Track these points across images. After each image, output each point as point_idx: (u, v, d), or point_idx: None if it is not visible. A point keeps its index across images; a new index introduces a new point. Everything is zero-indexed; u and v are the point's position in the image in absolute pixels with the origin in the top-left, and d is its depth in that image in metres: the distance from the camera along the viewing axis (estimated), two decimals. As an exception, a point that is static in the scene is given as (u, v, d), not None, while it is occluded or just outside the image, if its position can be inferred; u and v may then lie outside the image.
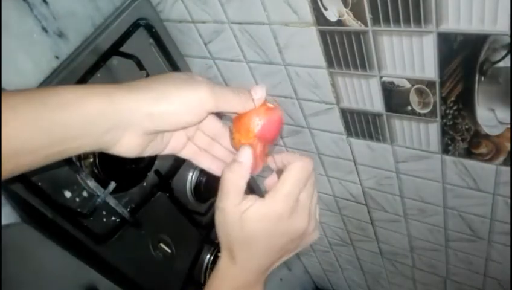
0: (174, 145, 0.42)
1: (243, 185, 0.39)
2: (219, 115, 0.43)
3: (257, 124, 0.40)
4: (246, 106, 0.39)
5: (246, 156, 0.40)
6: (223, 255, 0.42)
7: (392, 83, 0.58)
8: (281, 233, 0.40)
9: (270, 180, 0.43)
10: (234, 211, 0.39)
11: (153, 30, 0.70)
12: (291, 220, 0.40)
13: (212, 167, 0.44)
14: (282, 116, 0.42)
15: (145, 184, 0.75)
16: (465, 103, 0.55)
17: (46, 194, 0.61)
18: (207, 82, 0.37)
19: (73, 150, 0.34)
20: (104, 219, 0.69)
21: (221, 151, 0.45)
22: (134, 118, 0.34)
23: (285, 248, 0.41)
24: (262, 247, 0.40)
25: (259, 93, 0.40)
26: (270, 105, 0.41)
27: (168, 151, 0.42)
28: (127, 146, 0.36)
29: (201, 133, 0.44)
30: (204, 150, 0.44)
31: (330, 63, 0.62)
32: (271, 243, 0.40)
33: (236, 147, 0.42)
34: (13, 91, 0.32)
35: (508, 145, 0.57)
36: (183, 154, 0.43)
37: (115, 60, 0.66)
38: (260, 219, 0.39)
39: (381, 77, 0.59)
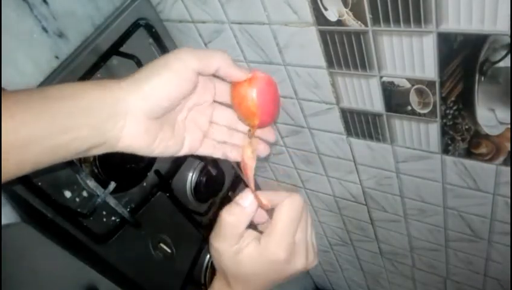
0: (191, 144, 0.42)
1: (241, 229, 0.39)
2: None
3: (251, 97, 0.40)
4: (228, 61, 0.39)
5: (249, 201, 0.39)
6: (219, 279, 0.42)
7: (392, 83, 0.58)
8: (277, 274, 0.40)
9: (258, 218, 0.42)
10: (229, 250, 0.39)
11: (153, 30, 0.70)
12: (290, 264, 0.40)
13: (233, 156, 0.44)
14: (272, 78, 0.41)
15: (145, 184, 0.75)
16: (465, 103, 0.55)
17: (46, 194, 0.61)
18: (187, 47, 0.38)
19: (78, 141, 0.34)
20: (104, 219, 0.69)
21: (241, 137, 0.45)
22: (129, 103, 0.35)
23: (281, 281, 0.42)
24: (257, 284, 0.40)
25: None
26: (250, 75, 0.40)
27: (185, 151, 0.42)
28: (133, 135, 0.36)
29: (217, 125, 0.44)
30: (223, 142, 0.44)
31: (330, 63, 0.62)
32: (266, 281, 0.41)
33: (256, 127, 0.42)
34: (16, 90, 0.33)
35: (508, 145, 0.57)
36: (202, 152, 0.43)
37: (115, 60, 0.66)
38: (255, 262, 0.39)
39: (381, 77, 0.59)
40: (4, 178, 0.32)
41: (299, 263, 0.40)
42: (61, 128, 0.33)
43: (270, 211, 0.40)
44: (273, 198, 0.40)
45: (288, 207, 0.39)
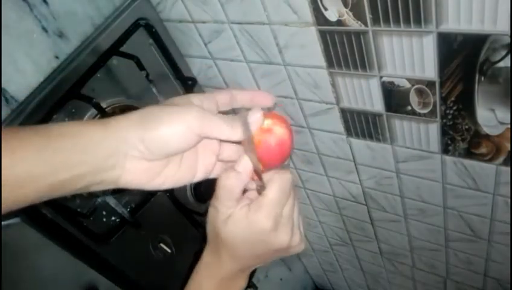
0: (206, 169, 0.42)
1: (237, 193, 0.40)
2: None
3: (255, 146, 0.40)
4: (235, 133, 0.38)
5: (244, 166, 0.40)
6: (208, 248, 0.43)
7: (392, 83, 0.58)
8: (262, 245, 0.41)
9: (249, 196, 0.43)
10: (225, 212, 0.40)
11: (153, 30, 0.70)
12: (274, 234, 0.40)
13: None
14: (287, 135, 0.41)
15: (145, 184, 0.75)
16: (465, 103, 0.55)
17: (46, 194, 0.61)
18: (197, 108, 0.37)
19: (77, 179, 0.35)
20: (104, 219, 0.69)
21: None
22: (128, 144, 0.35)
23: (266, 256, 0.42)
24: (242, 252, 0.41)
25: (252, 117, 0.40)
26: (268, 124, 0.40)
27: (199, 177, 0.42)
28: (134, 173, 0.37)
29: (227, 145, 0.44)
30: (232, 161, 0.44)
31: (330, 63, 0.62)
32: (251, 251, 0.41)
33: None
34: (16, 126, 0.34)
35: (508, 145, 0.57)
36: (213, 175, 0.43)
37: (115, 60, 0.66)
38: (242, 228, 0.40)
39: (381, 77, 0.59)
40: (3, 211, 0.32)
41: (283, 236, 0.41)
42: (60, 166, 0.33)
43: (259, 190, 0.41)
44: (266, 175, 0.41)
45: (278, 181, 0.40)
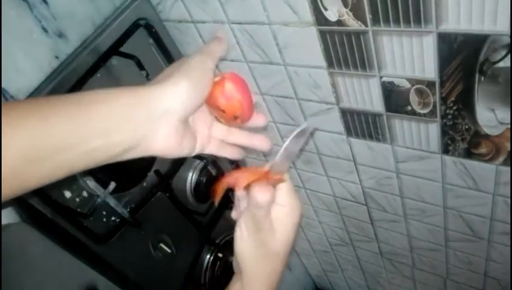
0: (202, 142, 0.43)
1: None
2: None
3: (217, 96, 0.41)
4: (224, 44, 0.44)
5: (265, 195, 0.41)
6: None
7: (392, 83, 0.58)
8: (297, 226, 0.45)
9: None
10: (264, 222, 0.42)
11: (153, 30, 0.70)
12: (301, 211, 0.45)
13: (234, 155, 0.47)
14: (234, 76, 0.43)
15: (145, 184, 0.75)
16: (465, 103, 0.55)
17: (46, 194, 0.61)
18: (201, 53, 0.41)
19: (113, 145, 0.35)
20: (104, 219, 0.69)
21: (238, 136, 0.47)
22: (165, 106, 0.36)
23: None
24: (288, 246, 0.45)
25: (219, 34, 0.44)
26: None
27: (198, 149, 0.43)
28: (164, 140, 0.37)
29: (218, 124, 0.46)
30: (222, 140, 0.46)
31: (330, 63, 0.62)
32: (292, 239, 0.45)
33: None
34: (48, 95, 0.34)
35: (508, 145, 0.57)
36: (209, 150, 0.45)
37: (114, 60, 0.66)
38: (287, 220, 0.44)
39: (381, 77, 0.59)
40: (39, 183, 0.32)
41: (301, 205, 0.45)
42: (96, 132, 0.33)
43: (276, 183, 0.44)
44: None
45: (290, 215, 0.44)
